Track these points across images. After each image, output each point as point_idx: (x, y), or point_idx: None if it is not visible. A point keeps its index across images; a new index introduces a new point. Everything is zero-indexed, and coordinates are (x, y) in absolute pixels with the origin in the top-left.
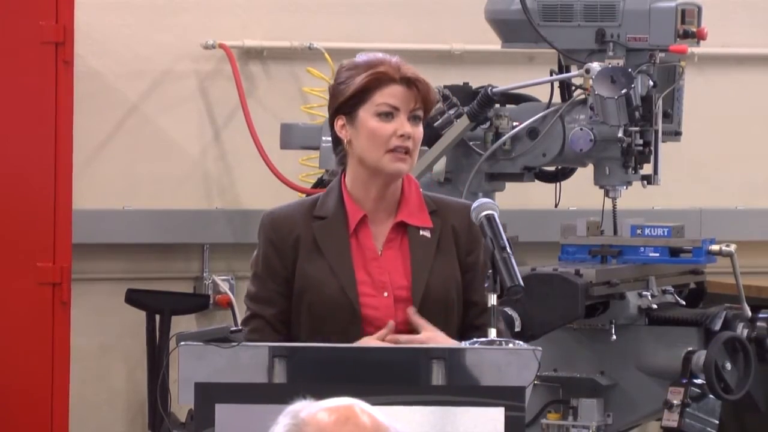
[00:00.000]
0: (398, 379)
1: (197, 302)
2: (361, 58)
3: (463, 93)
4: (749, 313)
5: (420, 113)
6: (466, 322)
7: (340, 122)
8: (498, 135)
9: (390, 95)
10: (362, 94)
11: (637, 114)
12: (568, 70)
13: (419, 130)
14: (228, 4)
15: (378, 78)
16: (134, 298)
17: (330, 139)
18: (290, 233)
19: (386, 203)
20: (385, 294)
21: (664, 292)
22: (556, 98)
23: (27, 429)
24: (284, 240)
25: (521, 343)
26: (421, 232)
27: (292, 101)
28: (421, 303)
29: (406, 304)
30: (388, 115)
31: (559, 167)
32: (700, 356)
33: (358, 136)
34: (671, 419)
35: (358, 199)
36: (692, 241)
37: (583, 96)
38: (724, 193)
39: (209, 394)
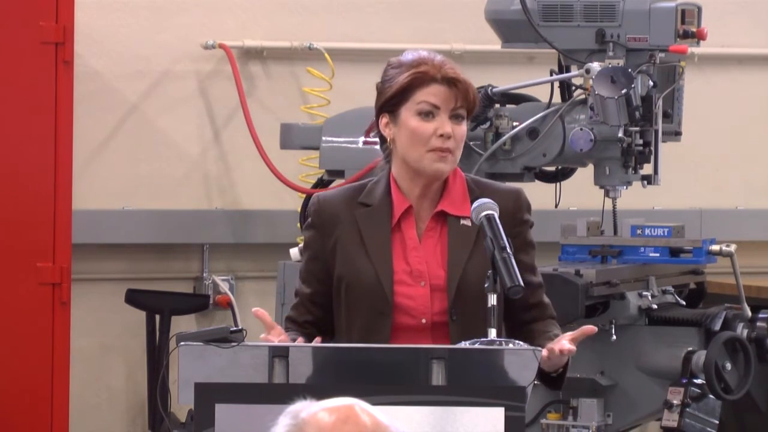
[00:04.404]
0: (398, 379)
1: (197, 302)
2: (406, 56)
3: None
4: (749, 313)
5: (462, 112)
6: (520, 303)
7: (384, 120)
8: (498, 135)
9: (431, 94)
10: (404, 93)
11: (637, 114)
12: (568, 70)
13: (461, 129)
14: (228, 4)
15: (419, 77)
16: (134, 298)
17: (330, 138)
18: (332, 220)
19: (430, 196)
20: (422, 283)
21: (664, 292)
22: (556, 98)
23: (27, 429)
24: (326, 226)
25: (521, 343)
26: (462, 222)
27: (292, 101)
28: (456, 292)
29: (443, 294)
30: (428, 114)
31: (559, 167)
32: (700, 356)
33: (400, 135)
34: (671, 419)
35: (404, 190)
36: (692, 241)
37: (583, 96)
38: (724, 193)
39: (209, 394)
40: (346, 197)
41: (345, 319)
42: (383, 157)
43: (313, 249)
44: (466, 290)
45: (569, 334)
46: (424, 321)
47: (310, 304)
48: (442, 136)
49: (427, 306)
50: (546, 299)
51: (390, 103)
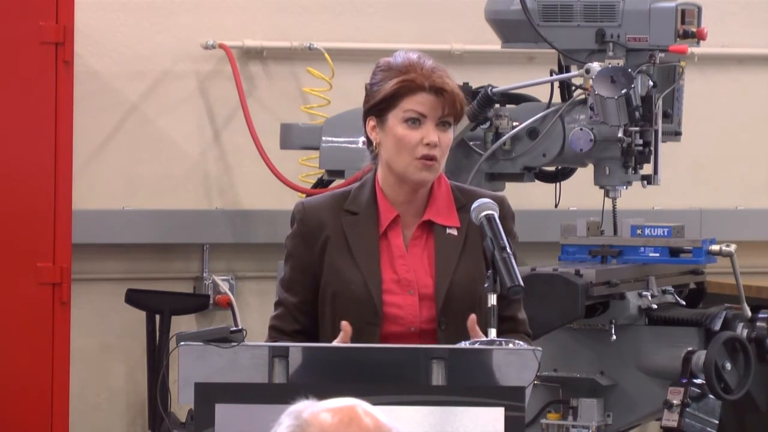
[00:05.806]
0: (398, 379)
1: (197, 302)
2: (396, 59)
3: (463, 93)
4: (749, 313)
5: (449, 119)
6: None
7: (371, 123)
8: (498, 135)
9: (418, 103)
10: (391, 100)
11: (637, 114)
12: (568, 70)
13: (448, 137)
14: (228, 4)
15: (406, 85)
16: (134, 298)
17: (330, 138)
18: (319, 228)
19: (415, 203)
20: (411, 292)
21: (664, 292)
22: (556, 98)
23: (27, 429)
24: (312, 234)
25: (521, 343)
26: (448, 231)
27: (292, 101)
28: (444, 301)
29: (431, 303)
30: (415, 121)
31: (559, 167)
32: (700, 356)
33: (387, 141)
34: (671, 419)
35: (389, 197)
36: (692, 241)
37: (583, 96)
38: (724, 193)
39: (209, 394)
40: (332, 204)
41: (331, 327)
42: (371, 159)
43: (298, 257)
44: (454, 298)
45: None
46: (412, 329)
47: (297, 313)
48: (428, 144)
49: (416, 315)
50: (522, 315)
51: (377, 107)
